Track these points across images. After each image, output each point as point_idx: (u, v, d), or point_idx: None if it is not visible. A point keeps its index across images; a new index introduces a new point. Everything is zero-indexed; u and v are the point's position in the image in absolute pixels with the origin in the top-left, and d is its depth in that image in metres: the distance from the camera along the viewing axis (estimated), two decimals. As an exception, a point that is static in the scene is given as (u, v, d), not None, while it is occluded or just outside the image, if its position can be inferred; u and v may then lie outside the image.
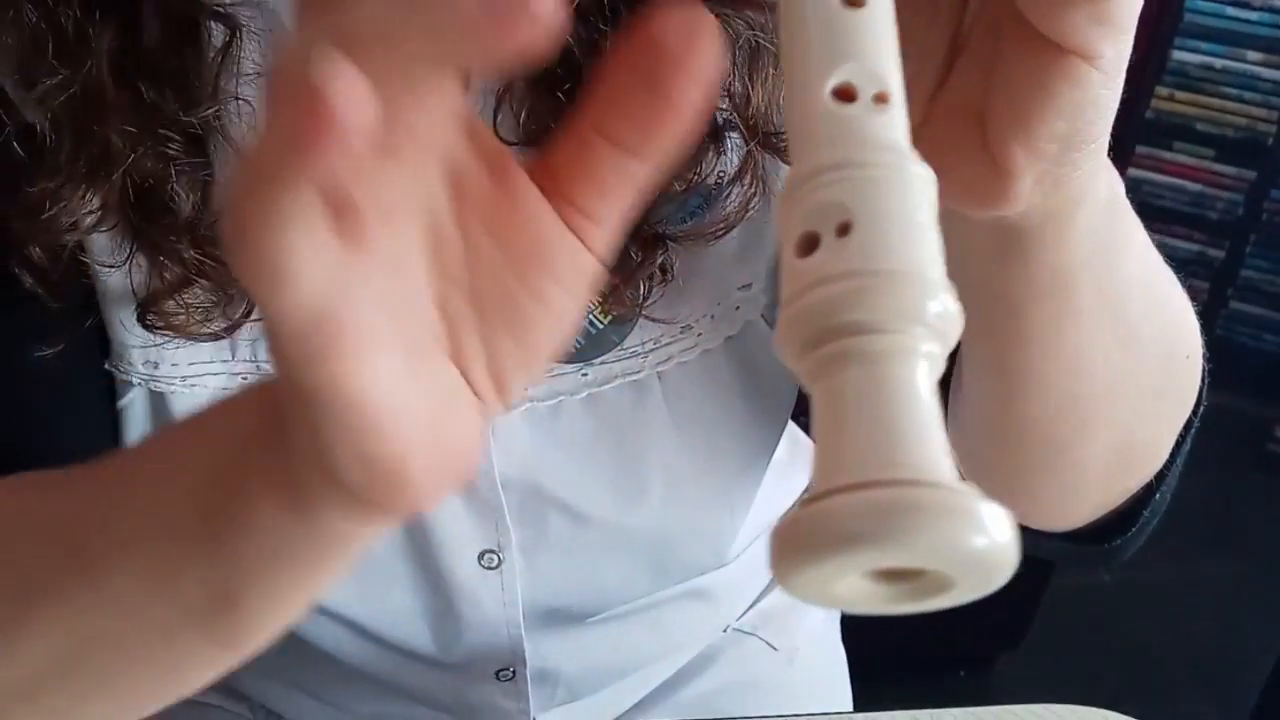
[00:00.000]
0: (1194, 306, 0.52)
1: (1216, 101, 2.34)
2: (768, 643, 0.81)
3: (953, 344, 0.24)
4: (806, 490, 0.22)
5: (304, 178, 0.23)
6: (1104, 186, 0.39)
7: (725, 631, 0.81)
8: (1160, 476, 0.54)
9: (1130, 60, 0.34)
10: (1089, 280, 0.42)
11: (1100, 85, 0.33)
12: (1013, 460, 0.53)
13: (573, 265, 0.31)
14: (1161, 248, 0.48)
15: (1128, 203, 0.43)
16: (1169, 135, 2.38)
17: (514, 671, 0.71)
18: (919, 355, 0.23)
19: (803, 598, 0.23)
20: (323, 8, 0.24)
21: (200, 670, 0.38)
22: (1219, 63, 2.32)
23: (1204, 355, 0.54)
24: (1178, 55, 2.32)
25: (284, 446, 0.31)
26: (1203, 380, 0.54)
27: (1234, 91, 2.33)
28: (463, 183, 0.30)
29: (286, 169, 0.23)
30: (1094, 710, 0.66)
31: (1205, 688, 1.86)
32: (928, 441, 0.22)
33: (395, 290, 0.29)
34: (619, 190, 0.29)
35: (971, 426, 0.55)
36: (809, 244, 0.24)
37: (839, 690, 0.86)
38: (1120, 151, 2.38)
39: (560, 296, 0.31)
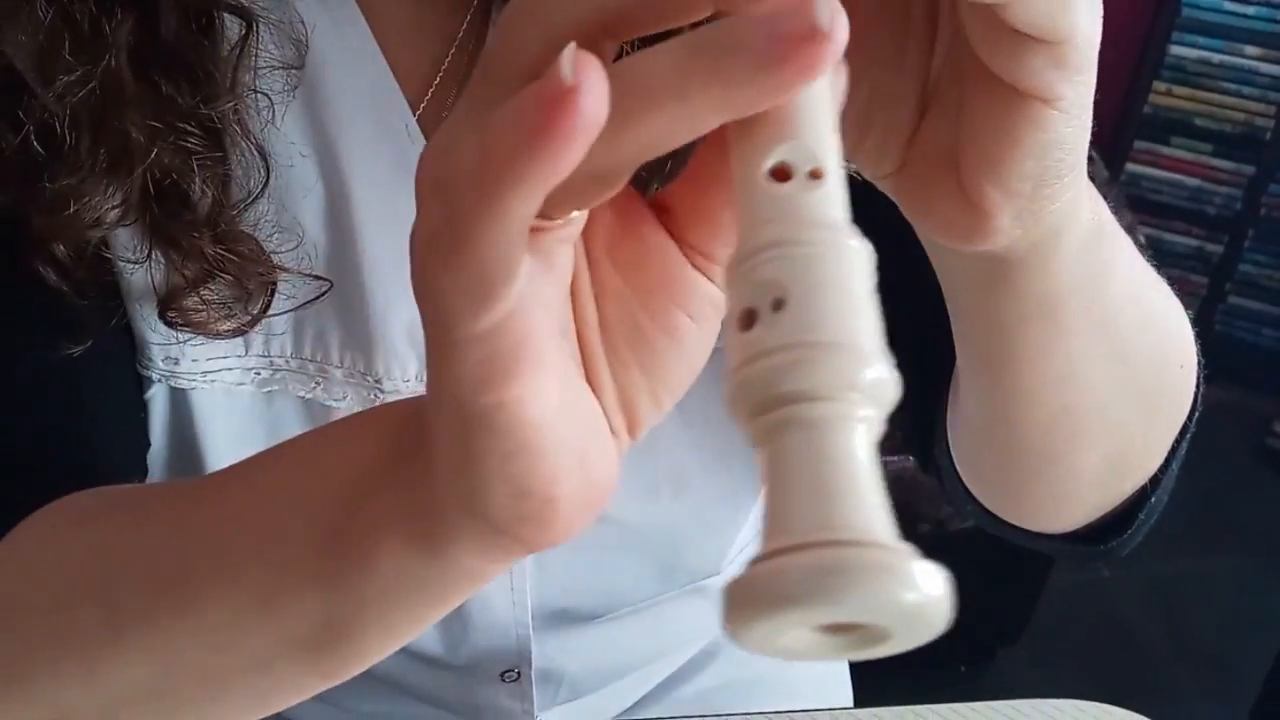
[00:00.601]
0: (1192, 302, 0.53)
1: (1214, 96, 2.35)
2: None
3: (889, 408, 0.25)
4: (756, 552, 0.24)
5: (542, 175, 0.23)
6: (1086, 213, 0.39)
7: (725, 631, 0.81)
8: (1155, 480, 0.54)
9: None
10: (1077, 302, 0.42)
11: (1063, 125, 0.33)
12: (1008, 469, 0.54)
13: (699, 297, 0.31)
14: (1159, 243, 0.49)
15: (1115, 222, 0.43)
16: (1167, 130, 2.38)
17: (519, 673, 0.71)
18: (855, 420, 0.24)
19: (754, 650, 0.24)
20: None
21: (294, 697, 0.38)
22: (1217, 58, 2.32)
23: (1200, 354, 0.54)
24: (1175, 50, 2.33)
25: (421, 480, 0.31)
26: (1197, 388, 0.54)
27: (1232, 86, 2.33)
28: (593, 222, 0.31)
29: (522, 167, 0.23)
30: (1094, 704, 0.67)
31: (1205, 682, 1.87)
32: (865, 502, 0.24)
33: (560, 314, 0.29)
34: (731, 230, 0.30)
35: (967, 437, 0.55)
36: (749, 319, 0.25)
37: (839, 686, 0.86)
38: (1118, 147, 2.38)
39: (688, 328, 0.32)
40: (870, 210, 0.36)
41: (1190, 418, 0.54)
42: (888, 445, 0.26)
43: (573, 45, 0.23)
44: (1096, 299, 0.43)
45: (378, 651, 0.36)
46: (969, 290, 0.43)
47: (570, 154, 0.23)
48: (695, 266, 0.31)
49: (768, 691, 0.79)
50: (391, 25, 0.55)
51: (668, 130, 0.25)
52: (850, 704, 0.85)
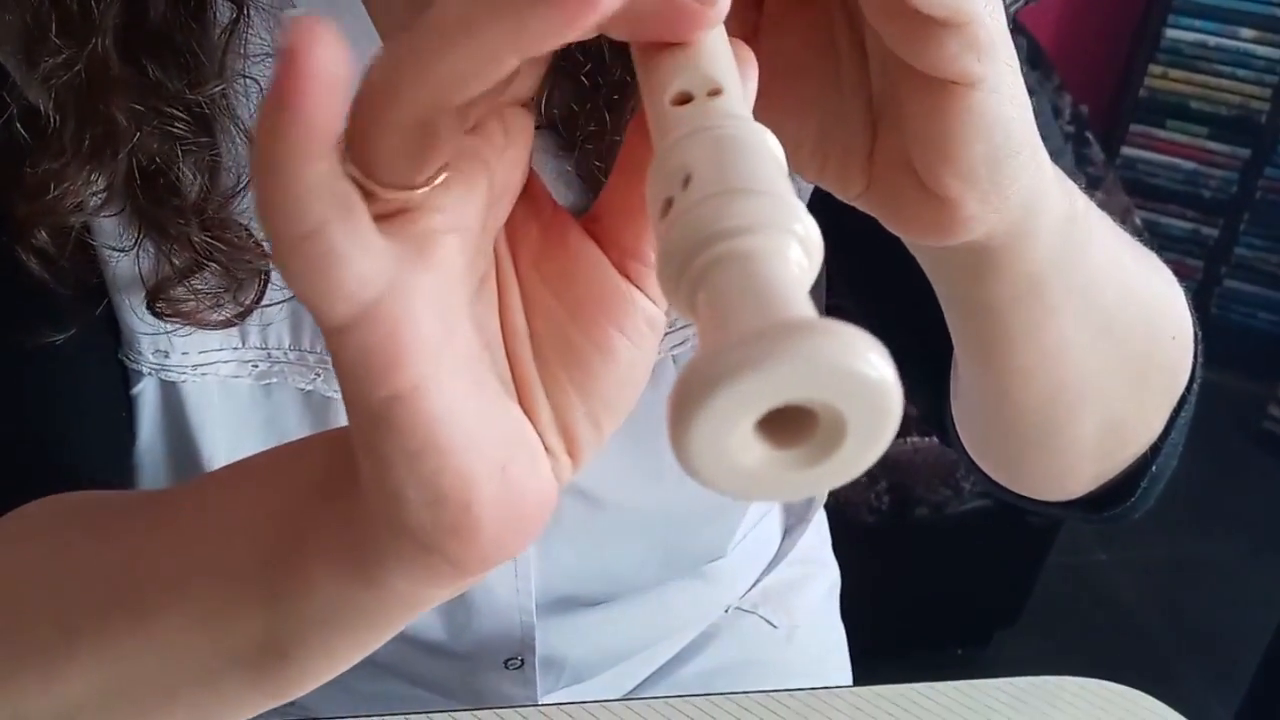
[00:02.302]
0: (1188, 285, 0.53)
1: (1210, 79, 2.35)
2: (767, 620, 0.82)
3: (818, 264, 0.25)
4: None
5: (306, 143, 0.23)
6: (1056, 191, 0.40)
7: (726, 612, 0.81)
8: (1156, 449, 0.55)
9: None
10: (1060, 279, 0.43)
11: (996, 105, 0.34)
12: (1009, 443, 0.55)
13: (633, 313, 0.31)
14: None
15: (1088, 200, 0.45)
16: (1163, 113, 2.39)
17: (522, 660, 0.71)
18: (788, 258, 0.24)
19: (702, 467, 0.23)
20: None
21: (241, 713, 0.38)
22: (1212, 40, 2.32)
23: (1197, 334, 0.55)
24: (1171, 33, 2.32)
25: (351, 496, 0.31)
26: (1195, 358, 0.55)
27: (1227, 69, 2.33)
28: (519, 235, 0.31)
29: (291, 140, 0.23)
30: (1094, 681, 0.67)
31: (1201, 663, 1.88)
32: (809, 306, 0.23)
33: (462, 315, 0.29)
34: None
35: (969, 415, 0.57)
36: (666, 206, 0.26)
37: (838, 666, 0.87)
38: (1114, 130, 2.38)
39: (624, 346, 0.31)
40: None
41: (1189, 388, 0.55)
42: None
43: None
44: (1078, 274, 0.44)
45: (321, 674, 0.35)
46: (958, 282, 0.44)
47: (309, 98, 0.23)
48: (628, 278, 0.31)
49: (767, 671, 0.80)
50: (390, 9, 0.54)
51: (468, 69, 0.25)
52: (849, 683, 0.85)
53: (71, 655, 0.39)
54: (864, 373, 0.21)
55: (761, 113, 0.37)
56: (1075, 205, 0.43)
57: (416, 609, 0.33)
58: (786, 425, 0.23)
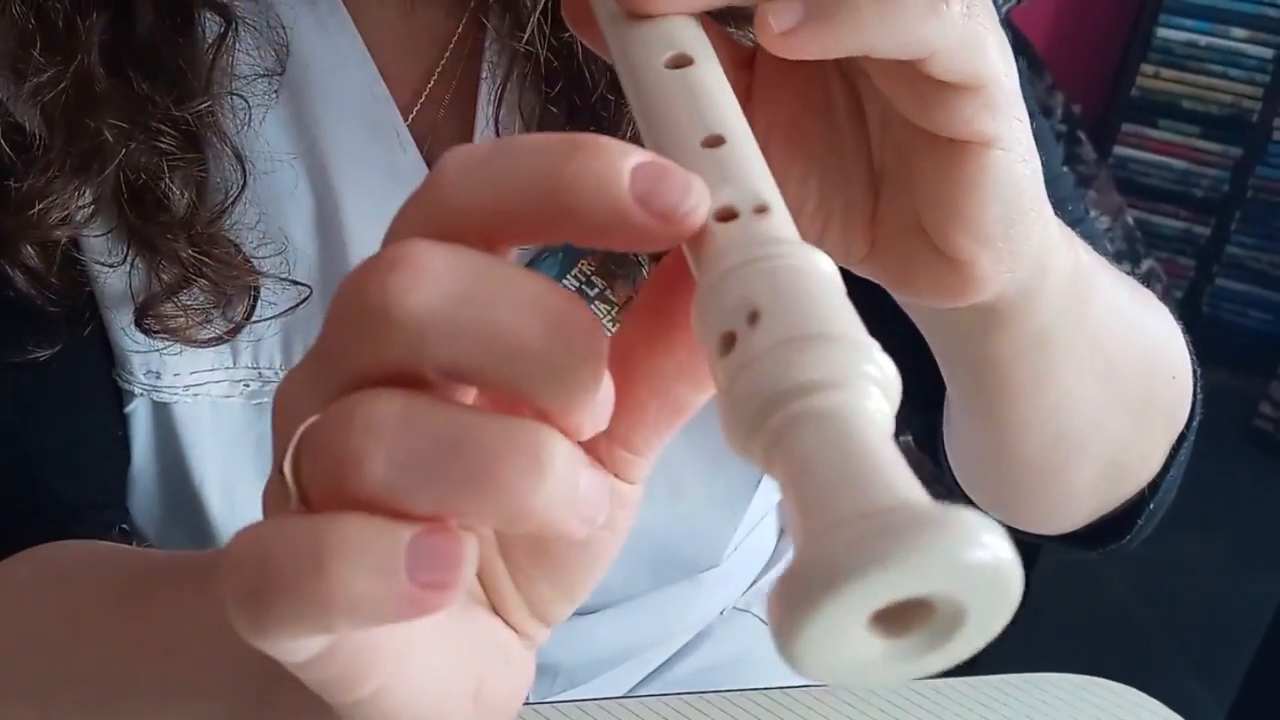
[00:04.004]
0: (1179, 284, 0.53)
1: (1202, 79, 2.35)
2: (761, 619, 0.82)
3: (896, 403, 0.24)
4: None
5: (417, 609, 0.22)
6: (1061, 242, 0.40)
7: (721, 614, 0.82)
8: (1154, 486, 0.55)
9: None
10: (1065, 328, 0.43)
11: (1011, 163, 0.34)
12: (1004, 487, 0.55)
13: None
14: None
15: (1088, 247, 0.44)
16: (1154, 113, 2.39)
17: None
18: (870, 408, 0.23)
19: (811, 666, 0.21)
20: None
21: None
22: (1204, 40, 2.33)
23: (1196, 371, 0.55)
24: (1162, 33, 2.33)
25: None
26: (1195, 395, 0.55)
27: (1219, 68, 2.34)
28: None
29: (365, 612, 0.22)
30: (1085, 678, 0.67)
31: (1193, 661, 1.88)
32: (904, 476, 0.22)
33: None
34: (661, 421, 0.29)
35: (963, 458, 0.57)
36: (728, 342, 0.24)
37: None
38: (1106, 129, 2.39)
39: (595, 533, 0.28)
40: None
41: (1188, 425, 0.55)
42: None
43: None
44: (1082, 326, 0.44)
45: None
46: (960, 339, 0.43)
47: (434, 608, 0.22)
48: (607, 462, 0.29)
49: (761, 668, 0.80)
50: (382, 31, 0.54)
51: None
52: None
53: None
54: (982, 562, 0.20)
55: None
56: (1079, 257, 0.42)
57: None
58: (902, 611, 0.22)
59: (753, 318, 0.24)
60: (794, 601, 0.21)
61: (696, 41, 0.31)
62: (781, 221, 0.26)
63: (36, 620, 0.44)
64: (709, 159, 0.27)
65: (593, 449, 0.28)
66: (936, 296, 0.37)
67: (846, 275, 0.28)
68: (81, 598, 0.44)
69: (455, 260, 0.24)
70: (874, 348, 0.23)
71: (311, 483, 0.24)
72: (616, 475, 0.29)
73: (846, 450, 0.22)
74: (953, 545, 0.20)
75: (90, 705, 0.38)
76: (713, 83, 0.30)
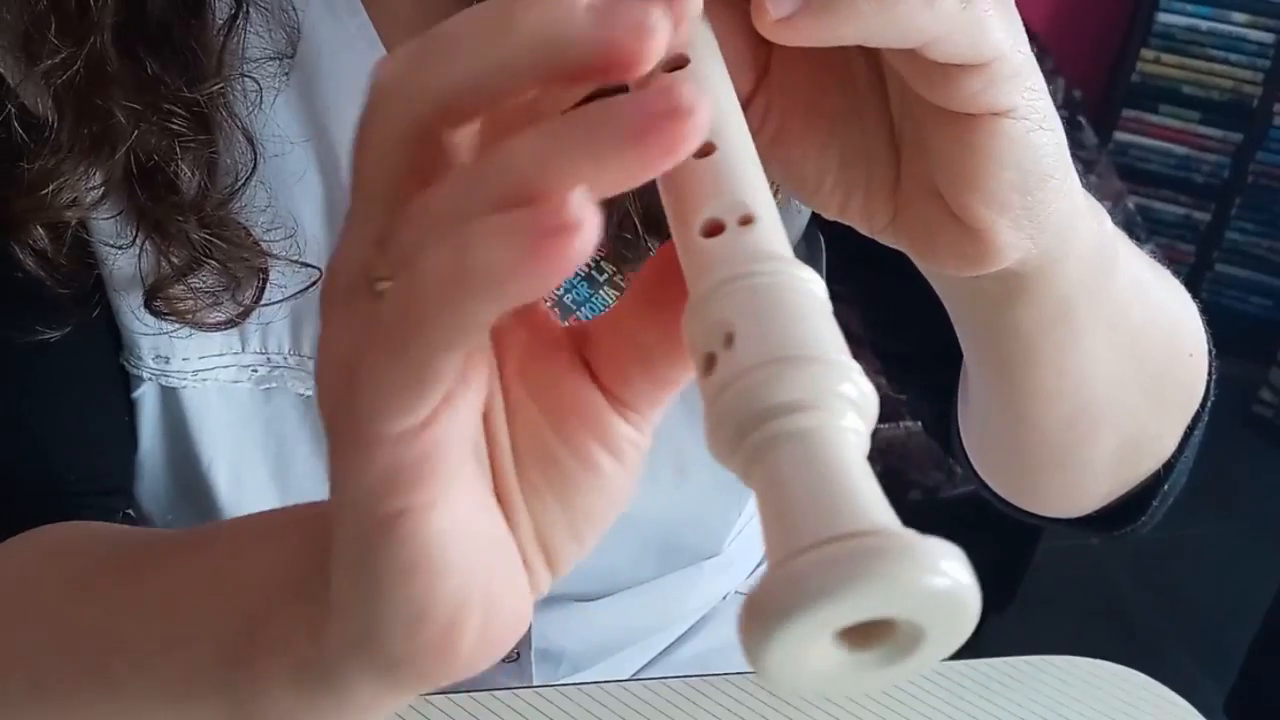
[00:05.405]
0: (1179, 270, 0.53)
1: (1203, 64, 2.35)
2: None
3: (872, 422, 0.24)
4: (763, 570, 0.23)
5: (524, 294, 0.23)
6: (1085, 211, 0.40)
7: (724, 599, 0.82)
8: (1169, 466, 0.55)
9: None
10: (1089, 300, 0.43)
11: (1027, 131, 0.34)
12: (1024, 463, 0.55)
13: (615, 434, 0.30)
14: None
15: (1108, 216, 0.44)
16: (1155, 98, 2.39)
17: (518, 654, 0.72)
18: (844, 429, 0.24)
19: (779, 679, 0.23)
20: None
21: None
22: (1205, 25, 2.32)
23: (1211, 350, 0.55)
24: (1163, 18, 2.33)
25: (320, 599, 0.30)
26: (1210, 376, 0.55)
27: (1220, 54, 2.34)
28: (507, 340, 0.30)
29: (505, 284, 0.23)
30: (1087, 660, 0.68)
31: (1192, 646, 1.89)
32: (872, 502, 0.23)
33: (474, 430, 0.28)
34: (651, 388, 0.30)
35: (980, 434, 0.56)
36: (709, 364, 0.25)
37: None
38: (1106, 115, 2.39)
39: (605, 460, 0.30)
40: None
41: (1203, 405, 0.55)
42: (881, 413, 0.25)
43: (581, 190, 0.23)
44: (1105, 296, 0.44)
45: None
46: (984, 308, 0.43)
47: (552, 283, 0.22)
48: (610, 402, 0.30)
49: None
50: (392, 14, 0.54)
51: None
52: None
53: (42, 710, 0.39)
54: (941, 588, 0.21)
55: (780, 150, 0.37)
56: (1103, 227, 0.42)
57: (377, 714, 0.32)
58: (865, 627, 0.23)
59: (729, 340, 0.24)
60: (762, 620, 0.22)
61: (698, 39, 0.31)
62: (767, 233, 0.26)
63: (31, 593, 0.44)
64: (695, 170, 0.28)
65: (604, 391, 0.30)
66: (958, 264, 0.37)
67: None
68: (76, 568, 0.44)
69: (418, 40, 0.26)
70: (851, 369, 0.24)
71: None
72: (624, 420, 0.30)
73: (816, 472, 0.23)
74: (915, 572, 0.21)
75: (81, 670, 0.38)
76: (707, 86, 0.30)
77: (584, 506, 0.30)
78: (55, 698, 0.39)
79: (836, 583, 0.21)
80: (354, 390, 0.25)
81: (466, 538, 0.27)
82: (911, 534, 0.22)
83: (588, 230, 0.22)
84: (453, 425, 0.26)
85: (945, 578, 0.21)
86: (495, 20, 0.25)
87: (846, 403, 0.24)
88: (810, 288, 0.25)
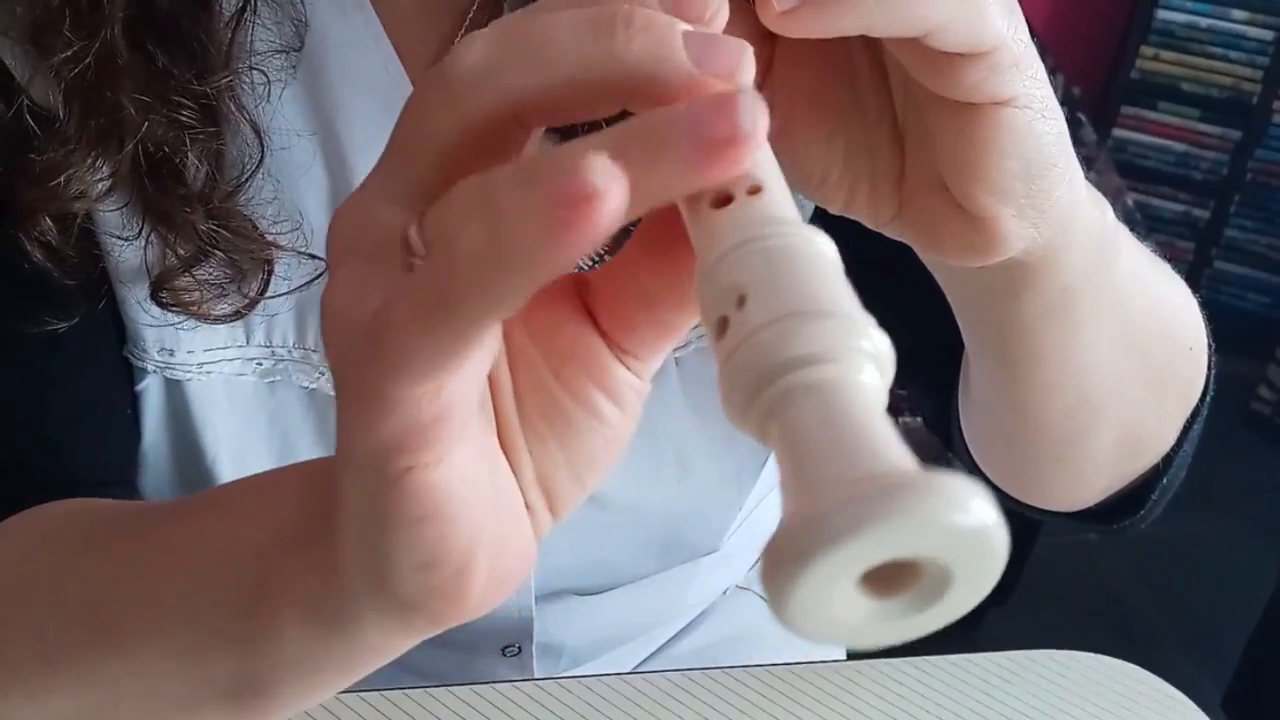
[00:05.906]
0: (1179, 267, 0.54)
1: (1202, 61, 2.35)
2: (762, 596, 0.83)
3: (889, 376, 0.24)
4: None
5: (557, 266, 0.23)
6: (1087, 202, 0.40)
7: (725, 593, 0.82)
8: (1168, 460, 0.55)
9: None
10: (1091, 291, 0.43)
11: (1028, 119, 0.34)
12: (1024, 455, 0.55)
13: (616, 380, 0.30)
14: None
15: (1106, 203, 0.44)
16: (1154, 95, 2.39)
17: (520, 647, 0.72)
18: (861, 380, 0.23)
19: (803, 625, 0.22)
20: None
21: None
22: (1204, 22, 2.32)
23: (1211, 345, 0.55)
24: (1163, 15, 2.33)
25: (326, 545, 0.30)
26: (1209, 370, 0.55)
27: (1219, 51, 2.34)
28: None
29: (540, 256, 0.22)
30: (1086, 654, 0.68)
31: (1190, 641, 1.89)
32: (894, 444, 0.22)
33: (481, 388, 0.28)
34: (655, 335, 0.30)
35: (980, 425, 0.57)
36: (722, 326, 0.25)
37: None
38: (1105, 111, 2.39)
39: (606, 405, 0.30)
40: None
41: (1202, 399, 0.55)
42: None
43: (605, 156, 0.22)
44: (1108, 288, 0.44)
45: (300, 705, 0.35)
46: (987, 299, 0.43)
47: (584, 251, 0.22)
48: (612, 349, 0.30)
49: (761, 645, 0.81)
50: (398, 8, 0.54)
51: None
52: (843, 658, 0.86)
53: (53, 678, 0.39)
54: (968, 525, 0.21)
55: (785, 143, 0.37)
56: (1105, 218, 0.42)
57: (387, 656, 0.33)
58: (890, 573, 0.22)
59: (741, 301, 0.24)
60: (785, 562, 0.21)
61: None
62: (776, 199, 0.26)
63: (36, 563, 0.45)
64: None
65: (606, 338, 0.30)
66: (963, 255, 0.37)
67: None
68: (81, 535, 0.44)
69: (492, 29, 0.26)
70: (868, 323, 0.24)
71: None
72: (626, 367, 0.31)
73: (838, 420, 0.22)
74: (940, 508, 0.20)
75: (90, 633, 0.39)
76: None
77: (585, 450, 0.31)
78: (66, 662, 0.39)
79: (860, 520, 0.20)
80: (376, 351, 0.25)
81: (473, 486, 0.28)
82: (937, 472, 0.21)
83: (613, 196, 0.22)
84: (466, 386, 0.26)
85: (973, 515, 0.21)
86: (604, 38, 0.26)
87: (865, 356, 0.23)
88: (822, 248, 0.25)
